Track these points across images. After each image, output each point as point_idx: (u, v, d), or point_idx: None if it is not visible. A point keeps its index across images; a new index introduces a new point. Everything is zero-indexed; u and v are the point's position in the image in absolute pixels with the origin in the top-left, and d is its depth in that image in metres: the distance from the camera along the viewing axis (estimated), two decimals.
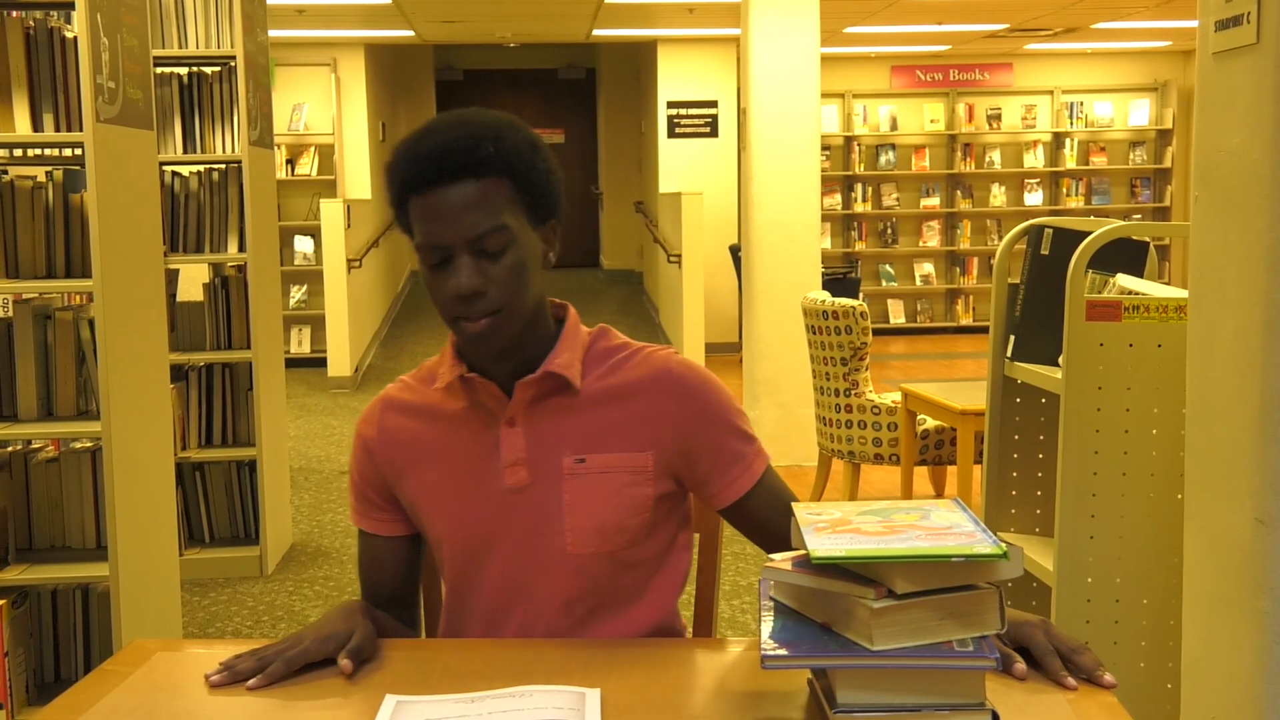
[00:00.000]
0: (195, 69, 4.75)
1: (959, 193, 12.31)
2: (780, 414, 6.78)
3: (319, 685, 1.49)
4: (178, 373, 4.67)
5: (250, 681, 1.48)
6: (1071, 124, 12.39)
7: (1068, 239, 2.78)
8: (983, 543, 1.25)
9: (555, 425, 1.68)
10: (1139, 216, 12.33)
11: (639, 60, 13.44)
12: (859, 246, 12.28)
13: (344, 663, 1.50)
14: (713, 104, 11.31)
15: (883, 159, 12.27)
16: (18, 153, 3.85)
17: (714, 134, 11.33)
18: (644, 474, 1.68)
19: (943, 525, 1.31)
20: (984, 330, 6.74)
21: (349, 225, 9.34)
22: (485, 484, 1.69)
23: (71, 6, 3.02)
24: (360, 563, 1.81)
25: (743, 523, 1.75)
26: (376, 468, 1.76)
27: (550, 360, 1.67)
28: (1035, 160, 12.40)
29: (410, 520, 1.78)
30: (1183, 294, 2.58)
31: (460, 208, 1.58)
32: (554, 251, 1.69)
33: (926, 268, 12.42)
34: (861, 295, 10.05)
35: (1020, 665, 1.42)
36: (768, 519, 1.70)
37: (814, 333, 5.40)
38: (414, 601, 1.82)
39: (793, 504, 1.44)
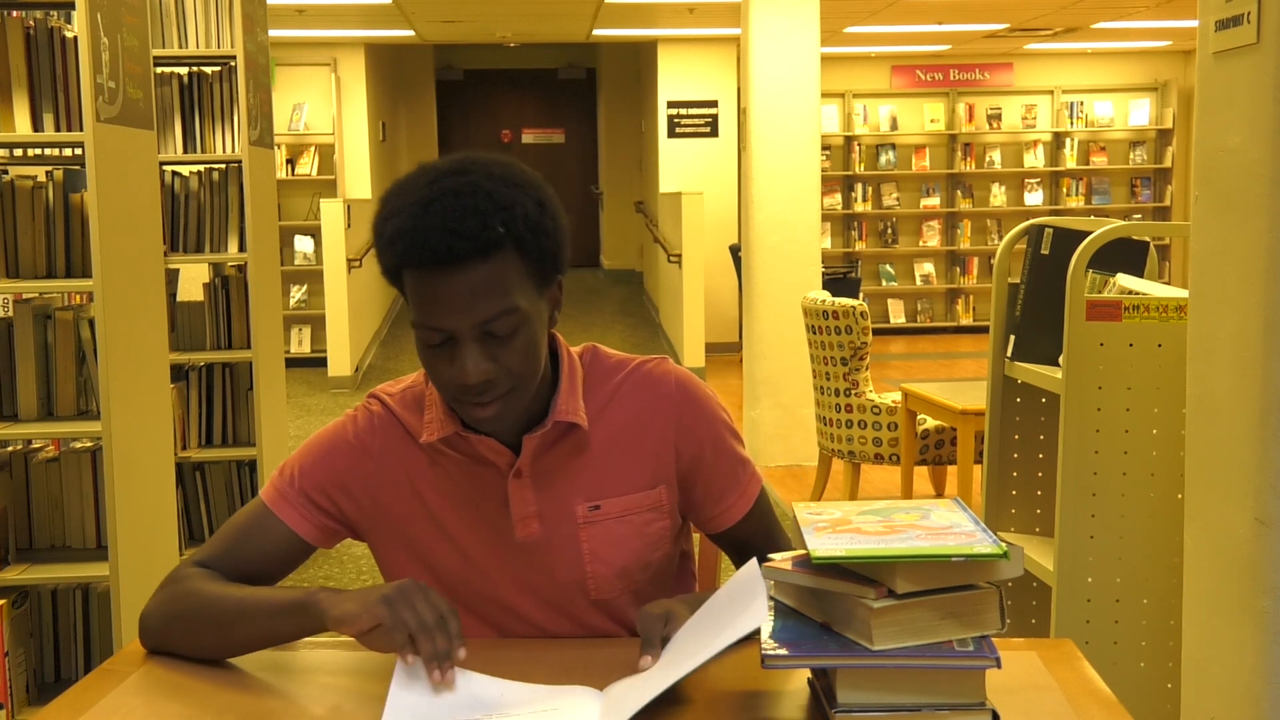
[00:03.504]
0: (195, 69, 4.74)
1: (959, 192, 12.31)
2: (780, 414, 6.78)
3: (319, 684, 1.49)
4: (178, 373, 4.66)
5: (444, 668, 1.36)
6: (1072, 124, 12.39)
7: (1068, 239, 2.78)
8: (983, 542, 1.25)
9: (564, 473, 1.59)
10: (1139, 216, 12.33)
11: (639, 60, 13.44)
12: (859, 246, 12.28)
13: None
14: (713, 104, 11.31)
15: (883, 159, 12.27)
16: (18, 153, 3.85)
17: (714, 134, 11.33)
18: (660, 509, 1.63)
19: (943, 525, 1.31)
20: (984, 330, 6.74)
21: (349, 225, 9.34)
22: (494, 538, 1.60)
23: (71, 6, 3.01)
24: (239, 537, 1.60)
25: (729, 547, 1.73)
26: (360, 481, 1.61)
27: (556, 409, 1.57)
28: (1035, 160, 12.40)
29: (332, 535, 1.63)
30: (1183, 294, 2.58)
31: (467, 294, 1.43)
32: (559, 308, 1.56)
33: (926, 267, 12.42)
34: (861, 295, 10.05)
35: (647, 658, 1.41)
36: (754, 546, 1.64)
37: (814, 332, 5.40)
38: None
39: (794, 504, 1.44)
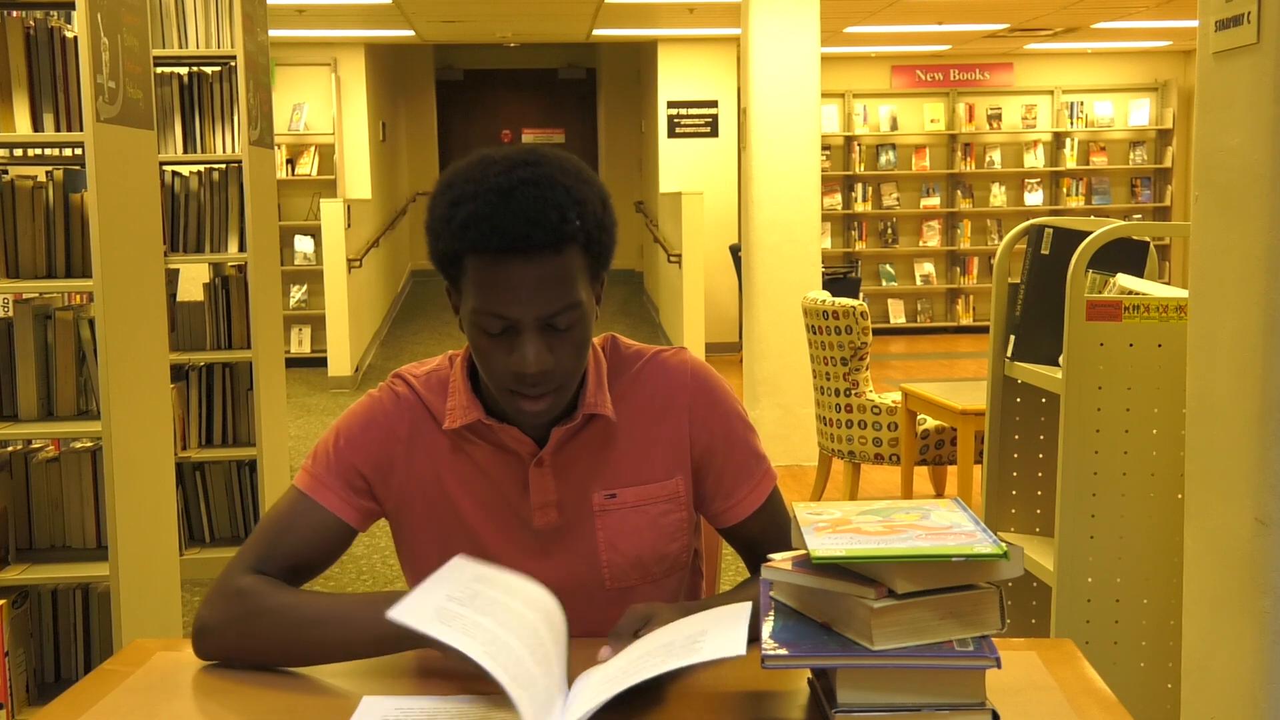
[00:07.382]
0: (195, 69, 4.75)
1: (959, 193, 12.31)
2: (780, 414, 6.78)
3: (320, 684, 1.49)
4: (178, 373, 4.67)
5: None
6: (1072, 124, 12.39)
7: (1068, 239, 2.78)
8: (983, 542, 1.25)
9: (584, 462, 1.61)
10: (1139, 216, 12.33)
11: (639, 60, 13.44)
12: (859, 246, 12.28)
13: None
14: (713, 104, 11.32)
15: (883, 159, 12.27)
16: (18, 153, 3.85)
17: (714, 134, 11.33)
18: (676, 500, 1.64)
19: (943, 525, 1.31)
20: (984, 330, 6.74)
21: (349, 225, 9.34)
22: (513, 524, 1.61)
23: (71, 6, 3.02)
24: (281, 530, 1.59)
25: (737, 542, 1.71)
26: (389, 463, 1.62)
27: (584, 401, 1.58)
28: (1035, 160, 12.40)
29: (371, 517, 1.63)
30: (1183, 294, 2.58)
31: (537, 285, 1.45)
32: (599, 304, 1.58)
33: (926, 267, 12.42)
34: (861, 295, 10.06)
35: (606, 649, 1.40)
36: (764, 544, 1.63)
37: (814, 332, 5.40)
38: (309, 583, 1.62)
39: (794, 504, 1.44)
